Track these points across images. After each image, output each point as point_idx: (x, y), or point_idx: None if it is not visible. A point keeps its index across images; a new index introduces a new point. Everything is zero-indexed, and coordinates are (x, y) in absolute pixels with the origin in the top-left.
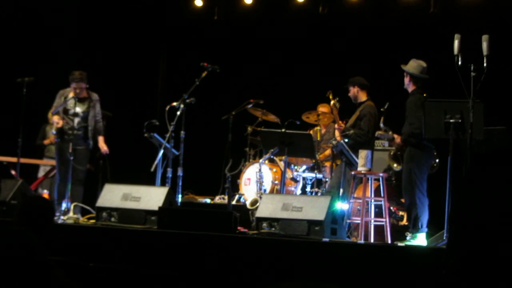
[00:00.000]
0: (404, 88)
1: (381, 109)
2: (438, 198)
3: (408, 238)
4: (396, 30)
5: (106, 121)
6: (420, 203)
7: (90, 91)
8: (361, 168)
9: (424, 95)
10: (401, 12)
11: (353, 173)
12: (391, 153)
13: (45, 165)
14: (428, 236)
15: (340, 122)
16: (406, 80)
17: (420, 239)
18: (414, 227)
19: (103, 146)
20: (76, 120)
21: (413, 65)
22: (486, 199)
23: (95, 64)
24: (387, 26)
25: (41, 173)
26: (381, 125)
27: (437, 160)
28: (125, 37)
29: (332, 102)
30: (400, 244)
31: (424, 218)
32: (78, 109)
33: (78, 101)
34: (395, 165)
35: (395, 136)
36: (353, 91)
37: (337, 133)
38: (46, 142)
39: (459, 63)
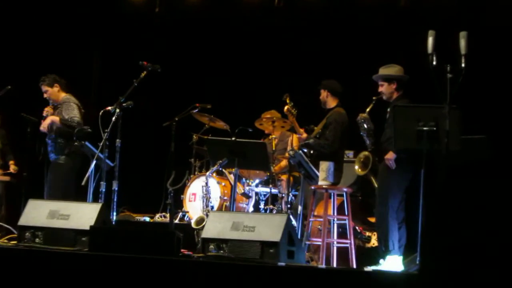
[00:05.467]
0: (384, 99)
1: (373, 98)
2: (410, 216)
3: (380, 261)
4: (362, 27)
5: (32, 128)
6: (392, 221)
7: (70, 94)
8: (322, 182)
9: (407, 100)
10: (367, 7)
11: (313, 187)
12: (361, 159)
13: None
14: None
15: (301, 130)
16: (388, 87)
17: (393, 263)
18: (387, 248)
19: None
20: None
21: (395, 69)
22: (461, 220)
23: (19, 62)
24: (350, 22)
25: None
26: (365, 114)
27: None
28: (54, 31)
29: (286, 107)
30: (367, 269)
31: (396, 238)
32: None
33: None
34: (357, 167)
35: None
36: (323, 95)
37: (295, 142)
38: None
39: (434, 63)
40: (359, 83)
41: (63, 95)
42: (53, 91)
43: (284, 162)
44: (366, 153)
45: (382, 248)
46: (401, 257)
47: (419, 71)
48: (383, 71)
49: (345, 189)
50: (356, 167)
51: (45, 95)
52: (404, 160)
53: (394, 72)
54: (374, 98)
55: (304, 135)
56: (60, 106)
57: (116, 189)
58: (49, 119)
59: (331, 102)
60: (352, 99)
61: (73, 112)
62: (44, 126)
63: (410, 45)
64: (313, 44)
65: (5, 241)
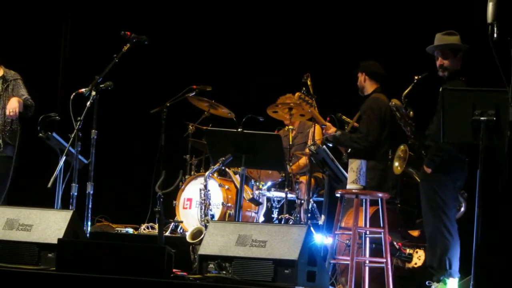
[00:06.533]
0: (443, 75)
1: (415, 77)
2: (462, 229)
3: (432, 286)
4: None
5: None
6: (448, 234)
7: (5, 68)
8: (351, 186)
9: (463, 78)
10: None
11: (340, 192)
12: (400, 155)
13: None
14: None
15: (324, 121)
16: (455, 61)
17: (451, 287)
18: (440, 268)
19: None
20: None
21: (457, 37)
22: None
23: None
24: None
25: None
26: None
27: (462, 203)
28: None
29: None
30: None
31: (454, 255)
32: None
33: None
34: (396, 164)
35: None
36: (360, 79)
37: (318, 134)
38: None
39: (495, 35)
40: (408, 62)
41: (3, 67)
42: None
43: (303, 160)
44: (402, 147)
45: (431, 267)
46: (456, 280)
47: (475, 46)
48: (449, 39)
49: (380, 195)
50: (396, 164)
51: None
52: (453, 156)
53: (458, 41)
54: (416, 77)
55: (332, 129)
56: (8, 83)
57: (91, 192)
58: (16, 100)
59: (369, 87)
60: (397, 83)
61: (25, 91)
62: (14, 109)
63: (464, 13)
64: (347, 10)
65: None
